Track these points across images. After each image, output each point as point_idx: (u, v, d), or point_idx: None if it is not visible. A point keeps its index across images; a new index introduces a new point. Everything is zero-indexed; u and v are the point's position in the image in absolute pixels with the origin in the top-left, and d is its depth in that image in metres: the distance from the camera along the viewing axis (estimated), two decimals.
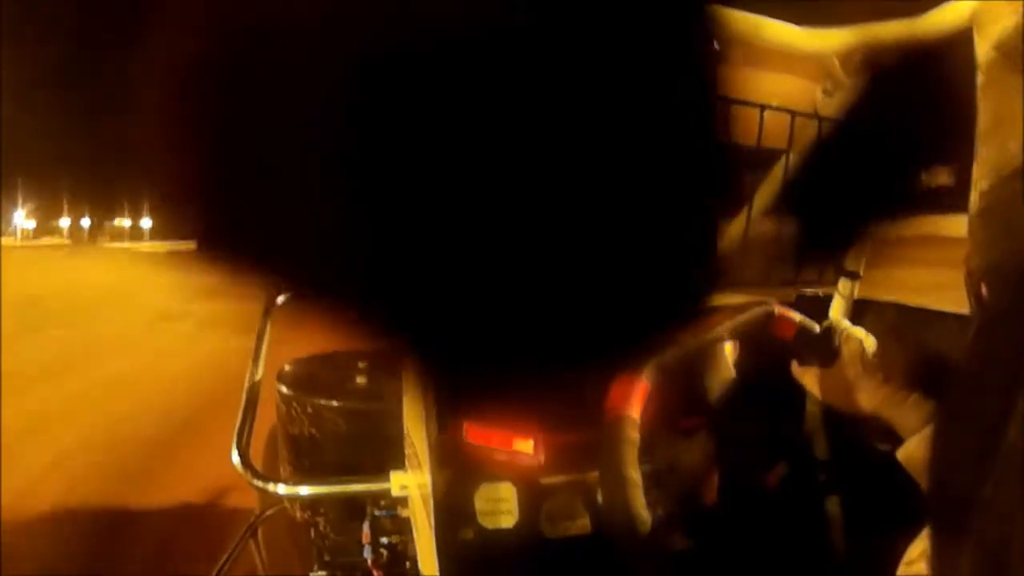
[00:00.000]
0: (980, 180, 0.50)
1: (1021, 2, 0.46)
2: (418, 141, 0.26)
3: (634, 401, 0.69)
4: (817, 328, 0.86)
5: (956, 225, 0.75)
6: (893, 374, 0.73)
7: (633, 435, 0.69)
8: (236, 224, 0.28)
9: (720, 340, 0.86)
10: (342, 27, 0.25)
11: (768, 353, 0.91)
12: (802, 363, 0.86)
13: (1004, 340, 0.35)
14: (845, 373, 0.77)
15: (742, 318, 0.83)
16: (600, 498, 0.76)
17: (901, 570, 0.57)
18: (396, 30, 0.25)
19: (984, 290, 0.44)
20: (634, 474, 0.69)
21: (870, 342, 0.82)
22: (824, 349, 0.83)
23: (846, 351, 0.80)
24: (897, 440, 0.71)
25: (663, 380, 0.73)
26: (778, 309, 0.85)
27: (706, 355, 0.88)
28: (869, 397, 0.74)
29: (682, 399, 0.82)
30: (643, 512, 0.67)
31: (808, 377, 0.85)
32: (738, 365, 0.93)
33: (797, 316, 0.85)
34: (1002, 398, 0.32)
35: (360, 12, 0.24)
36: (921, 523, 0.52)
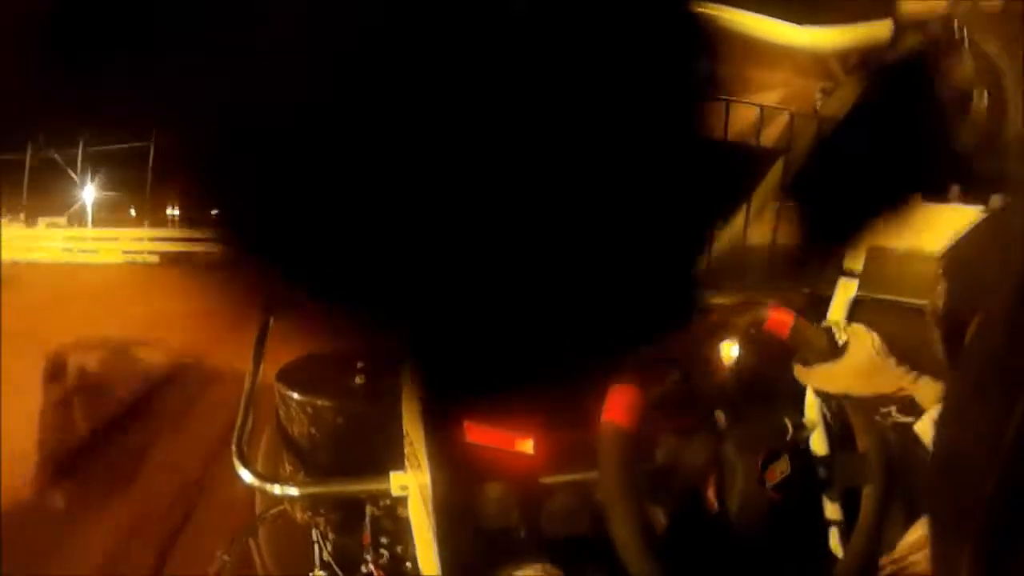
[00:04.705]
0: None
1: None
2: (419, 147, 0.26)
3: (629, 411, 0.70)
4: (813, 326, 0.86)
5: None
6: (903, 359, 0.77)
7: (629, 444, 0.71)
8: (239, 219, 0.28)
9: (714, 340, 0.87)
10: (337, 29, 0.25)
11: (767, 352, 0.91)
12: (802, 361, 0.86)
13: (1004, 340, 0.35)
14: (860, 360, 0.80)
15: (735, 319, 0.83)
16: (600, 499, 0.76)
17: (890, 569, 0.58)
18: (394, 34, 0.25)
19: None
20: (632, 483, 0.70)
21: (873, 337, 0.82)
22: (825, 347, 0.83)
23: (856, 342, 0.81)
24: (919, 412, 0.75)
25: (660, 381, 0.74)
26: (772, 308, 0.85)
27: (704, 355, 0.88)
28: (888, 378, 0.80)
29: (681, 399, 0.83)
30: (643, 521, 0.68)
31: (808, 375, 0.86)
32: (737, 364, 0.93)
33: (791, 315, 0.85)
34: (1003, 397, 0.32)
35: (357, 16, 0.24)
36: (915, 519, 0.53)
